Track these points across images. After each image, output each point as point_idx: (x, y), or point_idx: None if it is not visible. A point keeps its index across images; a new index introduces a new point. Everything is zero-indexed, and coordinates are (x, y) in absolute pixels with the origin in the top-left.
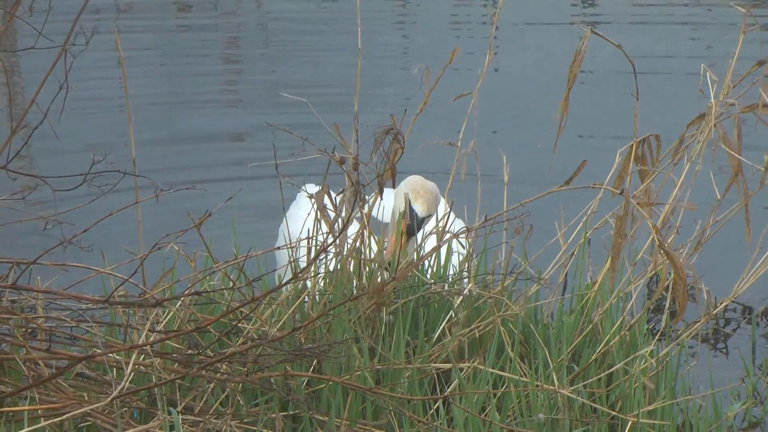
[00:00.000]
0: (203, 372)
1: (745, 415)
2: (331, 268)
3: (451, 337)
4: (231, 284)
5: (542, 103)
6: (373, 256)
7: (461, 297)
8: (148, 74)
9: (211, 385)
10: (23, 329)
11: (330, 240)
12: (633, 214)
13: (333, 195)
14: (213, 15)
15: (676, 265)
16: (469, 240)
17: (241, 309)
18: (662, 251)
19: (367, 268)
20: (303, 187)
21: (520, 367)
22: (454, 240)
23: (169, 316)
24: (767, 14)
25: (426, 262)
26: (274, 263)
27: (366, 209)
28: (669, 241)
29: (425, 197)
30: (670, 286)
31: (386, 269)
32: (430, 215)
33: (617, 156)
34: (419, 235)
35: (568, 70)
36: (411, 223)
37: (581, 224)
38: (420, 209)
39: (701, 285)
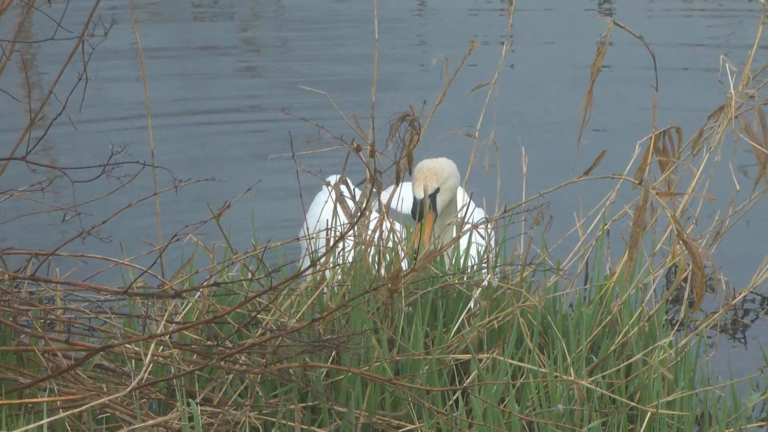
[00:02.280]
0: (222, 363)
1: (764, 405)
2: (350, 258)
3: (470, 328)
4: (250, 275)
5: (560, 93)
6: (396, 245)
7: (480, 288)
8: (165, 67)
9: (230, 377)
10: (42, 320)
11: (347, 229)
12: (653, 204)
13: (352, 185)
14: (229, 12)
15: (694, 255)
16: (489, 231)
17: (259, 300)
18: (681, 241)
19: (387, 257)
20: (325, 181)
21: (539, 358)
22: (474, 231)
23: (187, 307)
24: None
25: (445, 254)
26: (293, 254)
27: (385, 199)
28: (688, 231)
29: (420, 178)
30: (689, 277)
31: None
32: (437, 190)
33: (637, 147)
34: (439, 214)
35: (592, 64)
36: (414, 209)
37: (600, 215)
38: (418, 192)
39: (720, 275)
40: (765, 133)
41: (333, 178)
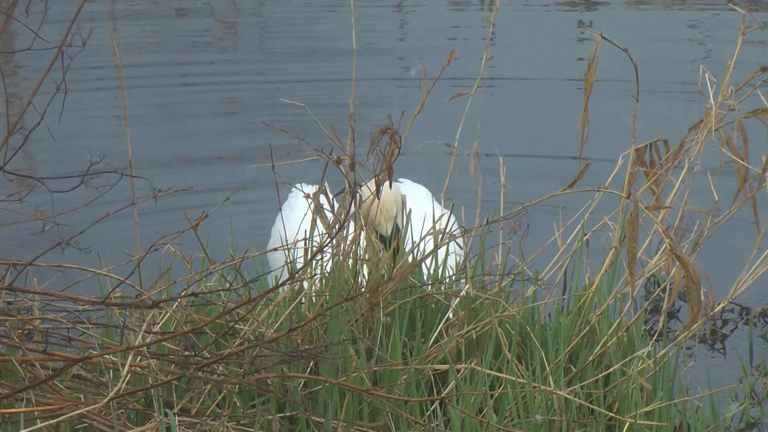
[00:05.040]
0: (200, 373)
1: (743, 415)
2: (328, 269)
3: (448, 338)
4: (228, 285)
5: (540, 103)
6: (376, 256)
7: (458, 298)
8: (144, 79)
9: (208, 387)
10: (19, 330)
11: (327, 240)
12: (630, 212)
13: (330, 195)
14: (209, 20)
15: (689, 271)
16: (467, 241)
17: (237, 310)
18: (674, 255)
19: (365, 268)
20: (295, 186)
21: (518, 369)
22: (452, 241)
23: (165, 318)
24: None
25: (423, 264)
26: (274, 260)
27: (362, 209)
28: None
29: (382, 216)
30: (668, 287)
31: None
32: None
33: (620, 158)
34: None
35: (584, 80)
36: (385, 244)
37: (579, 225)
38: (384, 229)
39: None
40: (746, 146)
41: (303, 186)
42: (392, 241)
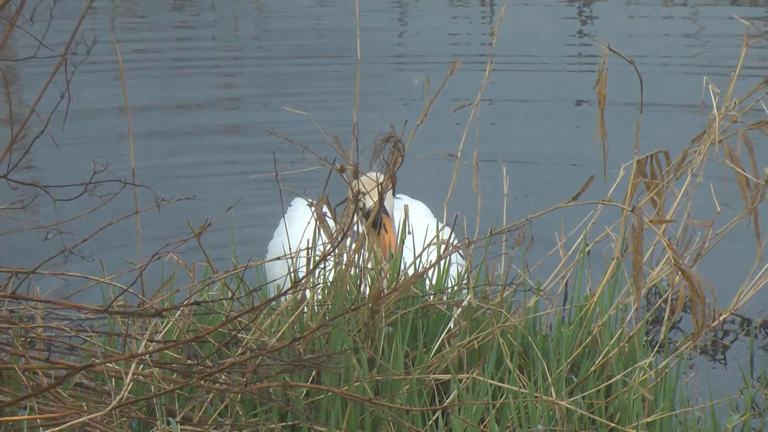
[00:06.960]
0: (202, 382)
1: (744, 427)
2: (331, 278)
3: (450, 348)
4: (230, 294)
5: (541, 113)
6: (371, 265)
7: (460, 308)
8: (145, 81)
9: (210, 396)
10: (22, 338)
11: (329, 250)
12: (633, 226)
13: (332, 205)
14: (211, 23)
15: (693, 285)
16: (470, 252)
17: (240, 319)
18: (679, 270)
19: (368, 277)
20: (294, 200)
21: (519, 379)
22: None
23: (168, 326)
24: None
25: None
26: (272, 274)
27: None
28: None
29: (366, 190)
30: (670, 299)
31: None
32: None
33: (621, 170)
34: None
35: (597, 92)
36: (373, 219)
37: (581, 236)
38: (368, 201)
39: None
40: (752, 157)
41: (301, 201)
42: (377, 215)
